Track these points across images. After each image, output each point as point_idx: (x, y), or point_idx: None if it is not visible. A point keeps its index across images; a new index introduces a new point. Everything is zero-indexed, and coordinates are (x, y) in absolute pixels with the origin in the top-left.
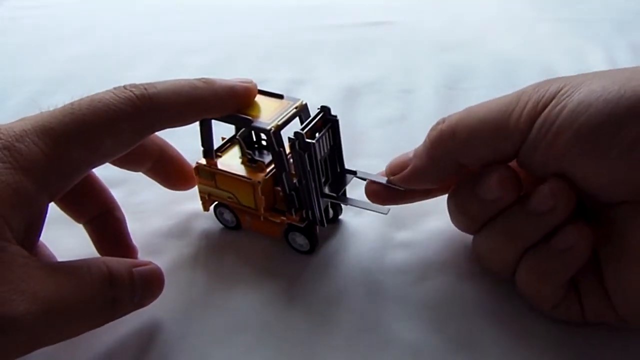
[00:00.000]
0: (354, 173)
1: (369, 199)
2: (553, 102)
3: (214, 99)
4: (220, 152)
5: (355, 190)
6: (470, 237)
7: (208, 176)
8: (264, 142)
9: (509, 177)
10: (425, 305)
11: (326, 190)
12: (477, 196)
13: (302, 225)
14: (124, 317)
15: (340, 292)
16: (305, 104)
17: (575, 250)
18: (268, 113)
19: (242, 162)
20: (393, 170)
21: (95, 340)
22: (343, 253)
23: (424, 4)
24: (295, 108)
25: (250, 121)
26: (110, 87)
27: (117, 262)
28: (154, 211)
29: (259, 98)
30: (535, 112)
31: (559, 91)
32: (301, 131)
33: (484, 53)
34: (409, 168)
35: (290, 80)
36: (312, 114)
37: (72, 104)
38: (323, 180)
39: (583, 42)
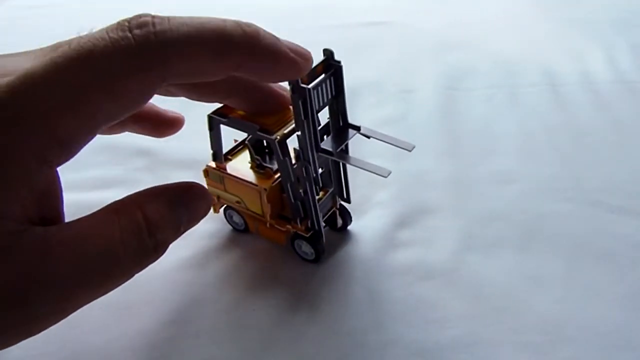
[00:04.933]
0: (357, 129)
1: None
2: None
3: (251, 57)
4: (231, 156)
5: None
6: (474, 234)
7: (217, 179)
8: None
9: None
10: (427, 305)
11: (323, 145)
12: None
13: (307, 235)
14: (122, 317)
15: (344, 293)
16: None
17: None
18: (276, 119)
19: (251, 167)
20: None
21: (94, 340)
22: (349, 258)
23: (424, 4)
24: None
25: (256, 128)
26: None
27: (155, 202)
28: None
29: None
30: None
31: None
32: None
33: (484, 53)
34: None
35: None
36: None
37: (58, 49)
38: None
39: (583, 42)
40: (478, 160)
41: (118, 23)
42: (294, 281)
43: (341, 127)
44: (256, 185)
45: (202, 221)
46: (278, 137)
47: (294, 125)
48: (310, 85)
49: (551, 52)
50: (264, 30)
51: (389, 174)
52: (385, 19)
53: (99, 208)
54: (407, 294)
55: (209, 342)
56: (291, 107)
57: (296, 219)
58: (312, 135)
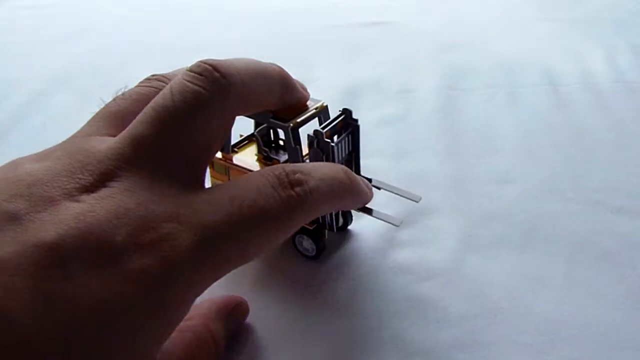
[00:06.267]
0: (369, 180)
1: None
2: None
3: (354, 199)
4: (237, 149)
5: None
6: (474, 234)
7: (222, 170)
8: (281, 142)
9: None
10: (427, 305)
11: None
12: None
13: (311, 228)
14: None
15: (344, 292)
16: (326, 106)
17: None
18: (289, 109)
19: (258, 159)
20: None
21: None
22: (350, 258)
23: (424, 4)
24: (315, 109)
25: (269, 116)
26: (110, 87)
27: (217, 322)
28: None
29: None
30: None
31: None
32: (321, 130)
33: (484, 53)
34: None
35: None
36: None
37: (232, 201)
38: None
39: (583, 42)
40: (478, 160)
41: (277, 177)
42: (294, 281)
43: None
44: None
45: None
46: (291, 124)
47: (306, 116)
48: (334, 143)
49: (551, 52)
50: (356, 176)
51: (400, 223)
52: (385, 19)
53: None
54: (407, 293)
55: None
56: (308, 103)
57: None
58: None
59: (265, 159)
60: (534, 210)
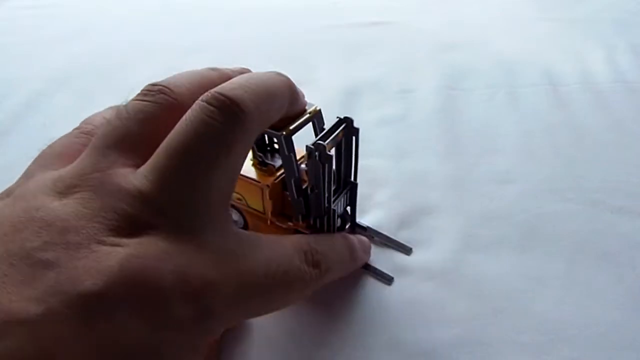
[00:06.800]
0: (364, 229)
1: None
2: None
3: (351, 270)
4: None
5: None
6: (474, 234)
7: None
8: (276, 146)
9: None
10: (427, 305)
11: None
12: None
13: (308, 233)
14: None
15: (343, 293)
16: (319, 110)
17: None
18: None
19: (253, 165)
20: None
21: None
22: None
23: (424, 4)
24: (309, 113)
25: None
26: (110, 87)
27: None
28: None
29: None
30: None
31: None
32: (324, 144)
33: (484, 53)
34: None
35: None
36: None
37: (269, 263)
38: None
39: (583, 42)
40: (478, 160)
41: (305, 254)
42: None
43: (350, 226)
44: (258, 182)
45: None
46: (284, 132)
47: (299, 122)
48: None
49: (551, 52)
50: (358, 252)
51: (391, 282)
52: (385, 19)
53: None
54: (407, 294)
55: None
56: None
57: (298, 216)
58: (328, 194)
59: (260, 164)
60: (534, 210)
